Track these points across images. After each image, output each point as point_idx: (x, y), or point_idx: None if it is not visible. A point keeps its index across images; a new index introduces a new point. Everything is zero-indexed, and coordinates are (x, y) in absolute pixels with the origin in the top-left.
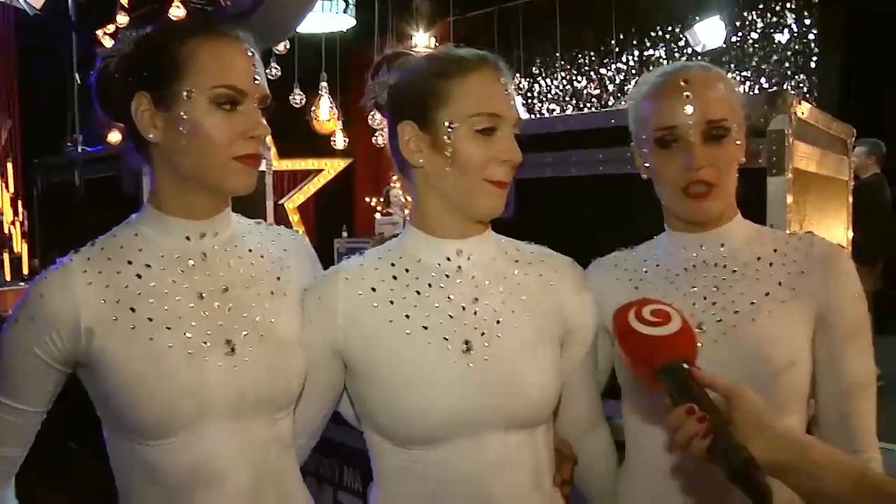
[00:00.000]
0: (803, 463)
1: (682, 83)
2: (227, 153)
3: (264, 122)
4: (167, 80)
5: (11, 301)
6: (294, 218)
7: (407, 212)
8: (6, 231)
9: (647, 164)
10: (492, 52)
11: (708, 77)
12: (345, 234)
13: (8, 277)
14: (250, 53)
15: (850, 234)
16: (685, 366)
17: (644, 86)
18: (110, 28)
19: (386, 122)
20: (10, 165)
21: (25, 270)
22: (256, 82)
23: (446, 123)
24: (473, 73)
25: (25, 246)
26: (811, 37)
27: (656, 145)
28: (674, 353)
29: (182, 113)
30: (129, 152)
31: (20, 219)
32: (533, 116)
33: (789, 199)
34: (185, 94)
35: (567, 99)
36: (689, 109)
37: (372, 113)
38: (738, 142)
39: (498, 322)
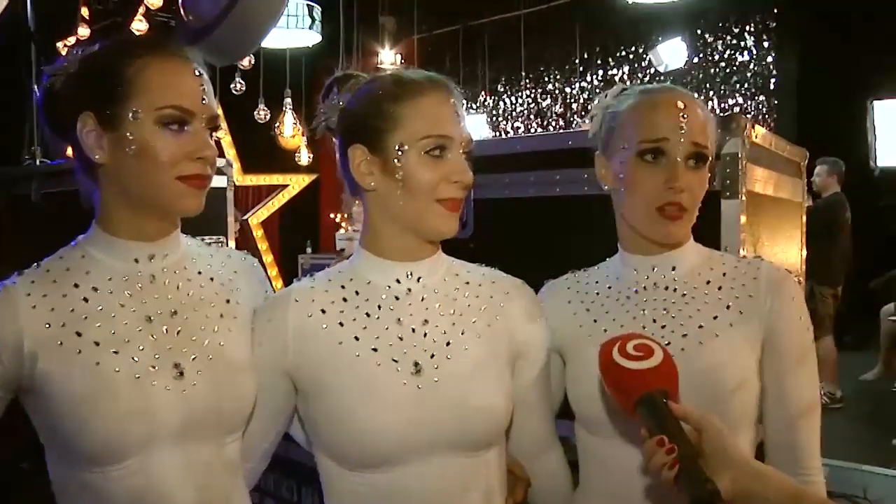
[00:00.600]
0: (763, 491)
1: (679, 103)
2: (172, 173)
3: (212, 143)
4: (113, 100)
5: None
6: (258, 233)
7: None
8: None
9: (620, 176)
10: (457, 70)
11: (697, 104)
12: (309, 249)
13: None
14: (198, 73)
15: (804, 253)
16: (661, 398)
17: (631, 97)
18: (71, 40)
19: (337, 144)
20: None
21: None
22: (204, 102)
23: (396, 147)
24: (423, 96)
25: None
26: (769, 59)
27: (638, 157)
28: (651, 386)
29: (128, 133)
30: (77, 172)
31: None
32: (497, 134)
33: (742, 222)
34: (130, 114)
35: (532, 117)
36: (681, 127)
37: (313, 124)
38: (709, 173)
39: (448, 344)
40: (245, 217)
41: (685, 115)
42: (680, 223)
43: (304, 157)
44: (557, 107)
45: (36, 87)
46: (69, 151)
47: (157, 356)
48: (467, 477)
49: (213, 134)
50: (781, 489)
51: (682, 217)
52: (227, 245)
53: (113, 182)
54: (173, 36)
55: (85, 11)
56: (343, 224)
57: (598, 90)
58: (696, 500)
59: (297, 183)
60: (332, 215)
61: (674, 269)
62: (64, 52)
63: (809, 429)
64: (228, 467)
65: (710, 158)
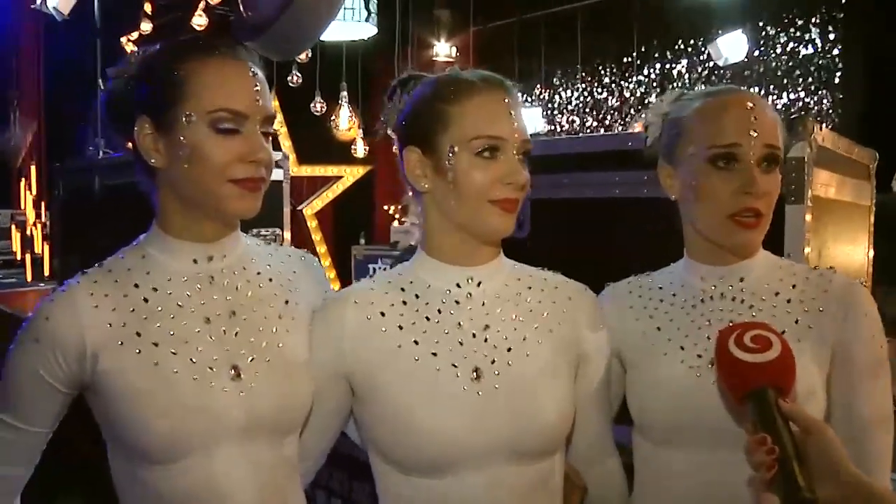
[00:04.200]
0: None
1: (748, 104)
2: (225, 177)
3: (267, 145)
4: (167, 104)
5: (32, 301)
6: (312, 224)
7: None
8: (28, 232)
9: (692, 183)
10: (513, 63)
11: (765, 104)
12: (363, 241)
13: (29, 278)
14: (253, 73)
15: (871, 253)
16: (772, 395)
17: (695, 101)
18: (134, 35)
19: (396, 146)
20: (33, 168)
21: (46, 272)
22: (258, 103)
23: (447, 148)
24: (475, 96)
25: (47, 247)
26: (835, 52)
27: (709, 164)
28: (763, 381)
29: (181, 137)
30: (138, 173)
31: (42, 220)
32: (552, 128)
33: (807, 228)
34: (184, 118)
35: (587, 111)
36: (753, 130)
37: (377, 126)
38: (781, 175)
39: (509, 350)
40: (300, 207)
41: (755, 117)
42: (756, 230)
43: (360, 150)
44: (613, 101)
45: (101, 81)
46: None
47: (215, 357)
48: (525, 487)
49: (269, 133)
50: None
51: (759, 223)
52: (283, 236)
53: (169, 185)
54: (228, 35)
55: (148, 7)
56: (398, 216)
57: (654, 84)
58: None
59: (351, 174)
60: (386, 207)
61: (742, 279)
62: (127, 48)
63: (880, 442)
64: (286, 467)
65: (782, 160)
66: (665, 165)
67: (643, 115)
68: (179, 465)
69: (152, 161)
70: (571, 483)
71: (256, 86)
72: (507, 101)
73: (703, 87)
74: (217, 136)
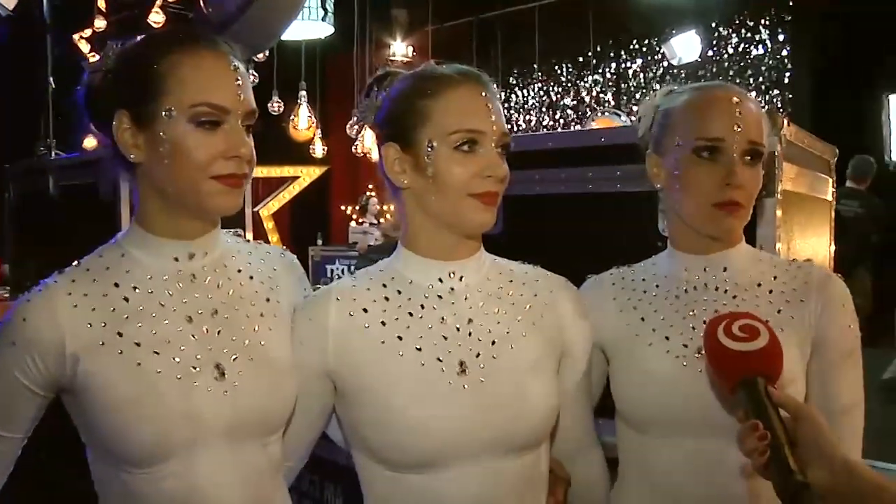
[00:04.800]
0: (856, 487)
1: (734, 99)
2: (207, 173)
3: (249, 140)
4: (147, 98)
5: None
6: (269, 225)
7: (383, 220)
8: None
9: (675, 173)
10: (469, 63)
11: (751, 100)
12: (320, 242)
13: None
14: (234, 67)
15: (833, 249)
16: (762, 383)
17: (684, 94)
18: (87, 32)
19: (375, 142)
20: None
21: None
22: (240, 98)
23: (426, 143)
24: (451, 91)
25: None
26: (784, 53)
27: (694, 154)
28: (752, 370)
29: (161, 132)
30: (114, 167)
31: None
32: (510, 127)
33: (779, 220)
34: (164, 112)
35: (544, 110)
36: (738, 126)
37: (350, 123)
38: (762, 170)
39: (493, 343)
40: (256, 208)
41: (741, 113)
42: (737, 216)
43: (319, 150)
44: (570, 99)
45: (51, 79)
46: (86, 143)
47: (198, 356)
48: (512, 479)
49: (251, 128)
50: (875, 486)
51: (740, 211)
52: (246, 237)
53: (149, 181)
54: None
55: (102, 3)
56: (355, 217)
57: (610, 83)
58: (782, 489)
59: (308, 175)
60: (343, 207)
61: (725, 269)
62: (80, 45)
63: (852, 427)
64: (270, 467)
65: (764, 155)
66: (653, 155)
67: (600, 114)
68: (162, 467)
69: (131, 157)
70: (556, 475)
71: (238, 80)
72: (484, 94)
73: (658, 86)
74: (198, 132)
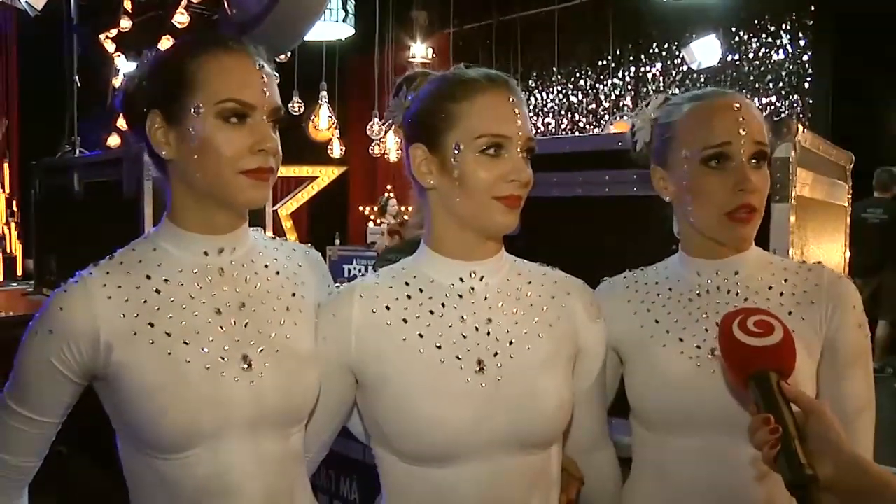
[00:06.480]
0: (864, 484)
1: (735, 104)
2: (235, 167)
3: (274, 135)
4: (176, 97)
5: (3, 301)
6: (287, 224)
7: (406, 218)
8: (0, 231)
9: (684, 184)
10: (489, 65)
11: (751, 104)
12: (337, 241)
13: (0, 278)
14: (259, 66)
15: (847, 255)
16: (774, 377)
17: (683, 105)
18: (113, 32)
19: (402, 142)
20: (6, 166)
21: (19, 272)
22: (266, 94)
23: (453, 146)
24: (480, 95)
25: (20, 247)
26: (805, 58)
27: (702, 164)
28: (765, 365)
29: (191, 128)
30: (139, 165)
31: (15, 219)
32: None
33: (792, 226)
34: (193, 109)
35: (562, 112)
36: (742, 129)
37: (370, 123)
38: (768, 171)
39: (511, 343)
40: (275, 207)
41: (743, 117)
42: (751, 224)
43: (337, 150)
44: (588, 103)
45: (77, 78)
46: (109, 141)
47: (226, 348)
48: (528, 475)
49: (277, 124)
50: (882, 482)
51: (752, 217)
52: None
53: (180, 177)
54: (234, 31)
55: (128, 4)
56: (373, 217)
57: (630, 87)
58: (791, 482)
59: (326, 175)
60: (361, 208)
61: (737, 273)
62: (105, 45)
63: (865, 429)
64: (293, 458)
65: (770, 156)
66: (658, 168)
67: (619, 118)
68: (187, 454)
69: (163, 153)
70: (569, 474)
71: (263, 78)
72: (511, 99)
73: (677, 91)
74: (225, 127)
